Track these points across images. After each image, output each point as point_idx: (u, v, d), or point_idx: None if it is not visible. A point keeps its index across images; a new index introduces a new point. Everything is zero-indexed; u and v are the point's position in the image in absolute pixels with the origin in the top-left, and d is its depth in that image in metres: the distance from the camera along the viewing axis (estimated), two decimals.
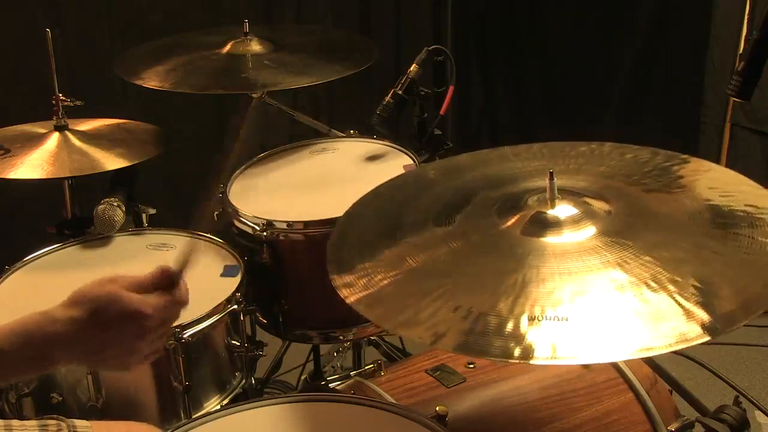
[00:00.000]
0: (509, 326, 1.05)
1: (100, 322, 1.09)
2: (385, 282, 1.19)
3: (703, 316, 1.02)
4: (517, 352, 1.02)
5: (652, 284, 1.08)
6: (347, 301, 1.17)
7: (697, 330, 1.00)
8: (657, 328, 1.02)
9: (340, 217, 1.43)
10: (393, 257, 1.25)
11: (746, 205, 1.24)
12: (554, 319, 1.05)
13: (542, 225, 1.23)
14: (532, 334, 1.04)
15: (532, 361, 1.01)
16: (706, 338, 0.99)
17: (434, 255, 1.23)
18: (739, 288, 1.07)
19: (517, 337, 1.04)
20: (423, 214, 1.35)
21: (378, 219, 1.40)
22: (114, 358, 1.12)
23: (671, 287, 1.07)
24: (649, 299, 1.06)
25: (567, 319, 1.05)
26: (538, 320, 1.05)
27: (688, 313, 1.03)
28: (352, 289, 1.19)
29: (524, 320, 1.06)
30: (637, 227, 1.21)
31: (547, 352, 1.01)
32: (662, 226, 1.22)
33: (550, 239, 1.21)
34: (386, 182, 1.52)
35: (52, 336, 1.08)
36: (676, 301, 1.05)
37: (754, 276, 1.10)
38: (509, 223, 1.26)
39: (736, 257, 1.13)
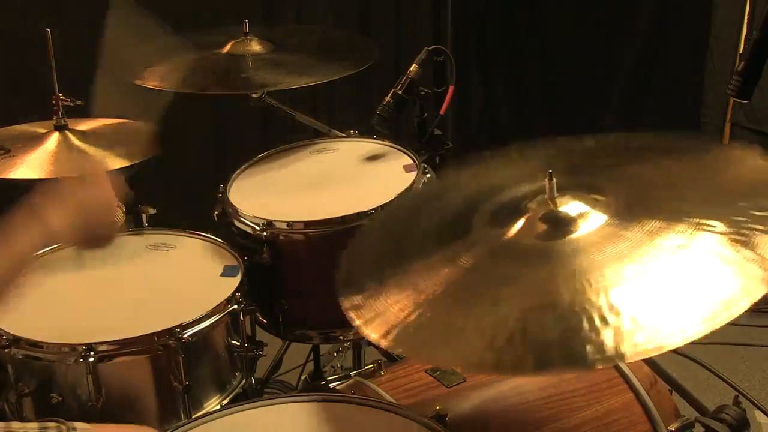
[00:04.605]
0: (583, 329, 0.99)
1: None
2: (414, 316, 1.13)
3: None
4: (599, 356, 0.96)
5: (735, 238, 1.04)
6: (379, 343, 1.12)
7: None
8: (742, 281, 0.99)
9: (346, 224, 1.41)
10: (410, 286, 1.19)
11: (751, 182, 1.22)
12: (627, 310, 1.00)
13: (554, 225, 1.20)
14: (608, 333, 0.98)
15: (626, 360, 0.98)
16: None
17: (455, 279, 1.18)
18: None
19: (594, 339, 0.97)
20: (434, 235, 1.31)
21: (388, 246, 1.37)
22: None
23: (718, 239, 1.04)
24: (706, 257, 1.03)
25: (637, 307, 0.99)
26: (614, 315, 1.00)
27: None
28: (376, 328, 1.14)
29: (596, 320, 1.00)
30: (647, 206, 1.17)
31: (638, 346, 0.95)
32: (672, 199, 1.19)
33: (570, 236, 1.17)
34: (388, 204, 1.49)
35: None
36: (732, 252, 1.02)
37: None
38: (514, 231, 1.22)
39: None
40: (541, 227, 1.21)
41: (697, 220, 1.09)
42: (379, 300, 1.19)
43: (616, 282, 1.05)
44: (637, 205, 1.19)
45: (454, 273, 1.19)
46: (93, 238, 1.35)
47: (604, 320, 1.00)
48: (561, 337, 1.01)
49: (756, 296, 0.97)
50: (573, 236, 1.17)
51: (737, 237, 1.05)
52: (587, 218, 1.19)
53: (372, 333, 1.14)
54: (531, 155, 1.49)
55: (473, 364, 1.07)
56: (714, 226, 1.08)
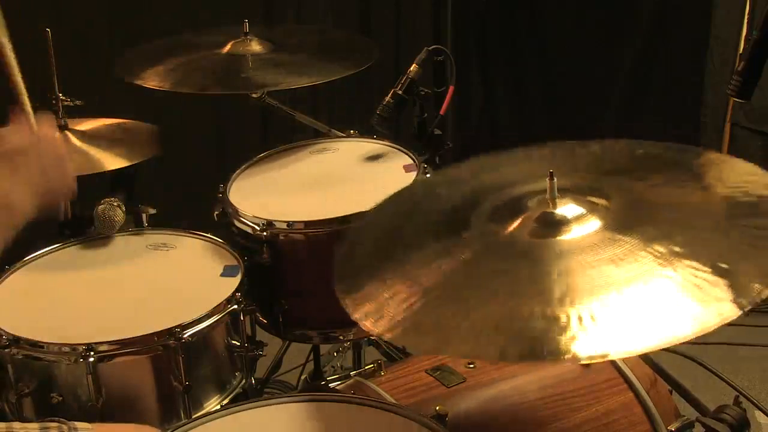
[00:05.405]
0: (560, 328, 1.02)
1: None
2: (407, 305, 1.15)
3: (728, 294, 1.01)
4: (576, 351, 0.99)
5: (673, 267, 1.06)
6: (371, 330, 1.14)
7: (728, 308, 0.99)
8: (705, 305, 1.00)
9: (346, 226, 1.42)
10: (407, 277, 1.21)
11: (758, 196, 1.21)
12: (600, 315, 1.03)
13: (548, 225, 1.21)
14: (587, 332, 1.01)
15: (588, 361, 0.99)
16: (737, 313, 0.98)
17: (454, 272, 1.20)
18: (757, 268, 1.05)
19: (572, 337, 1.01)
20: (432, 228, 1.32)
21: (387, 237, 1.37)
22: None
23: (690, 270, 1.05)
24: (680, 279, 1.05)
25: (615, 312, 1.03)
26: (592, 318, 1.03)
27: (715, 294, 1.01)
28: (370, 315, 1.15)
29: (573, 319, 1.03)
30: (641, 219, 1.18)
31: (603, 349, 0.99)
32: (669, 217, 1.19)
33: (560, 237, 1.19)
34: (388, 198, 1.49)
35: None
36: (700, 282, 1.03)
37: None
38: (512, 227, 1.23)
39: (749, 245, 1.11)
40: (537, 226, 1.22)
41: (676, 248, 1.10)
42: (375, 289, 1.20)
43: (586, 288, 1.08)
44: (632, 217, 1.20)
45: (451, 265, 1.20)
46: (53, 197, 1.32)
47: (559, 321, 1.03)
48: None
49: (707, 327, 0.98)
50: (565, 237, 1.18)
51: (714, 266, 1.06)
52: (582, 222, 1.20)
53: (366, 321, 1.15)
54: (537, 155, 1.49)
55: (460, 352, 1.12)
56: (695, 251, 1.09)
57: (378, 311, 1.15)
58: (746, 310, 0.99)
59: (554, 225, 1.21)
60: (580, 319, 1.03)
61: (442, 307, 1.14)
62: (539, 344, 1.02)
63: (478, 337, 1.06)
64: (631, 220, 1.18)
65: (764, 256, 1.08)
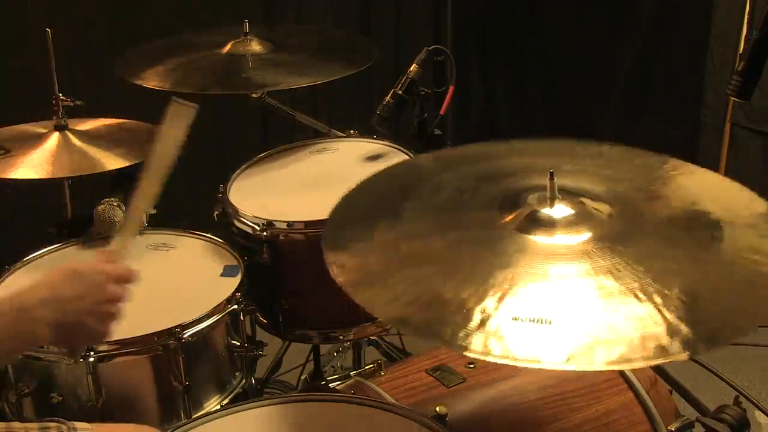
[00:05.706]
0: (468, 319, 1.05)
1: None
2: (377, 266, 1.19)
3: (685, 332, 1.01)
4: (462, 341, 1.03)
5: (639, 295, 1.07)
6: (337, 279, 1.17)
7: (676, 347, 0.99)
8: (636, 341, 1.01)
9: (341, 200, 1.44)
10: (388, 241, 1.25)
11: (745, 224, 1.22)
12: (522, 320, 1.05)
13: (536, 224, 1.22)
14: (488, 330, 1.04)
15: (467, 353, 1.02)
16: (684, 356, 0.99)
17: (427, 243, 1.23)
18: (727, 306, 1.07)
19: (469, 331, 1.04)
20: (424, 202, 1.34)
21: (378, 202, 1.40)
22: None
23: (658, 300, 1.06)
24: (632, 310, 1.05)
25: (522, 320, 1.05)
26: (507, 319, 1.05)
27: (670, 329, 1.02)
28: (343, 269, 1.19)
29: (478, 315, 1.06)
30: (631, 235, 1.19)
31: (490, 350, 1.02)
32: (658, 236, 1.20)
33: (541, 239, 1.19)
34: (390, 167, 1.51)
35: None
36: (662, 314, 1.04)
37: (743, 295, 1.09)
38: (506, 219, 1.25)
39: (728, 274, 1.13)
40: (527, 222, 1.22)
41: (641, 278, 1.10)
42: (354, 243, 1.26)
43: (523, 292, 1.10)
44: (616, 233, 1.20)
45: (436, 241, 1.23)
46: (70, 336, 1.24)
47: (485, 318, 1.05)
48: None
49: (630, 365, 1.00)
50: (549, 240, 1.19)
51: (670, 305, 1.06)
52: (570, 229, 1.20)
53: (336, 269, 1.19)
54: (548, 150, 1.49)
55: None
56: (657, 281, 1.09)
57: (350, 262, 1.21)
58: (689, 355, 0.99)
59: (544, 225, 1.21)
60: (488, 315, 1.05)
61: (398, 273, 1.18)
62: (442, 325, 1.06)
63: (397, 303, 1.11)
64: (619, 237, 1.18)
65: (736, 294, 1.09)
